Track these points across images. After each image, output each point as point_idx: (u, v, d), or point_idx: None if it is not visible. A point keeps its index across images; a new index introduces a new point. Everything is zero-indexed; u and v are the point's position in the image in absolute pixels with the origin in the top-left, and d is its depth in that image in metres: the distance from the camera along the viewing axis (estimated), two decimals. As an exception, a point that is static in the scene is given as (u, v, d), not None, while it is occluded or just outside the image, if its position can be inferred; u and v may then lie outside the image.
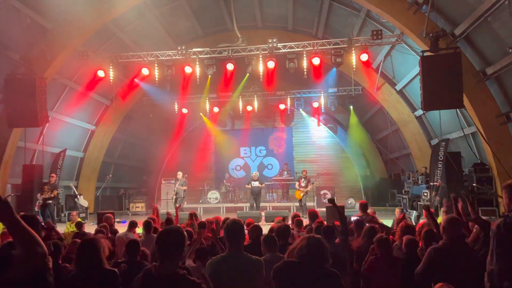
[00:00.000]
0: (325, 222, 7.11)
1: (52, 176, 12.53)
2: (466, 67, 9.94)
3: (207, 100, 17.58)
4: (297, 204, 14.72)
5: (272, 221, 7.19)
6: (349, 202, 15.47)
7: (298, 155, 19.28)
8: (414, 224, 9.61)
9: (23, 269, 1.74)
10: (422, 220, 9.12)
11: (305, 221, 7.46)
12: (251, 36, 13.99)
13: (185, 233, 2.60)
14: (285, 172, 17.38)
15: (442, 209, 9.24)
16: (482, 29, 9.55)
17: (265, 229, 6.00)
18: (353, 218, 10.55)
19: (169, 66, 12.90)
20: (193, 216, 6.40)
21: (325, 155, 19.10)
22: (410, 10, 10.75)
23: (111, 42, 13.55)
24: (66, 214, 13.22)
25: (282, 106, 17.70)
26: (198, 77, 13.26)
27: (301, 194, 14.23)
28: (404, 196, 14.97)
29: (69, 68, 13.01)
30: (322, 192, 16.28)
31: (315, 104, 17.50)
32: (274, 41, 12.34)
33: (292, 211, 13.89)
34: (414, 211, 12.28)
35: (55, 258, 3.45)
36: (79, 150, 16.04)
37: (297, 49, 12.63)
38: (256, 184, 14.18)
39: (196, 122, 19.39)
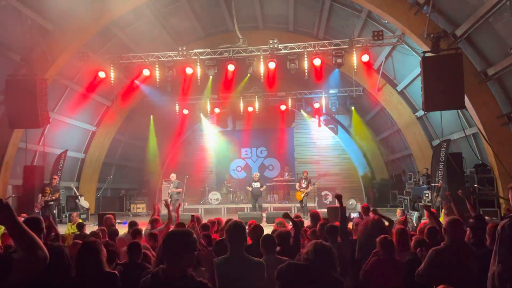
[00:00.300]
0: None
1: (54, 178, 12.53)
2: (467, 68, 9.93)
3: (208, 101, 17.57)
4: (298, 205, 14.71)
5: (273, 222, 7.17)
6: (350, 203, 15.46)
7: (299, 156, 19.25)
8: (415, 224, 9.61)
9: (23, 273, 1.73)
10: (423, 220, 9.09)
11: (306, 222, 7.45)
12: (252, 37, 14.00)
13: (194, 236, 2.58)
14: (286, 173, 17.37)
15: (443, 210, 9.22)
16: (483, 29, 9.53)
17: (266, 230, 5.98)
18: (353, 215, 10.57)
19: (170, 67, 12.91)
20: (194, 218, 6.38)
21: (326, 156, 19.07)
22: (411, 11, 10.74)
23: (112, 43, 13.54)
24: (67, 215, 13.22)
25: (283, 107, 17.68)
26: (199, 78, 13.26)
27: (302, 195, 14.22)
28: (405, 197, 14.95)
29: (70, 69, 13.02)
30: (323, 193, 16.26)
31: (316, 105, 17.50)
32: (275, 41, 12.34)
33: (293, 212, 13.86)
34: (416, 212, 12.26)
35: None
36: (80, 151, 16.04)
37: (298, 50, 12.62)
38: (257, 185, 14.16)
39: (197, 123, 19.37)
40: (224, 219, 7.19)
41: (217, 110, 18.19)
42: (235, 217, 10.76)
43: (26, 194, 12.30)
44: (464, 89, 9.64)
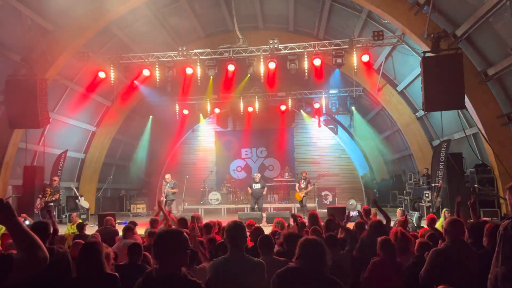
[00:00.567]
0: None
1: (55, 180, 12.52)
2: (467, 68, 9.93)
3: (208, 101, 17.57)
4: (299, 205, 14.70)
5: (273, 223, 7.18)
6: (350, 203, 15.44)
7: (299, 156, 19.23)
8: (415, 225, 9.61)
9: (23, 273, 1.72)
10: (424, 227, 9.07)
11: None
12: (252, 37, 14.00)
13: (184, 235, 2.58)
14: (286, 173, 17.37)
15: (443, 212, 9.21)
16: (484, 30, 9.53)
17: (266, 230, 5.97)
18: (352, 214, 10.54)
19: (170, 67, 12.91)
20: (194, 219, 6.37)
21: (326, 156, 19.05)
22: (411, 11, 10.73)
23: (112, 43, 13.54)
24: (67, 216, 13.20)
25: (283, 107, 17.67)
26: (199, 78, 13.25)
27: (301, 195, 14.21)
28: (405, 197, 14.95)
29: (70, 69, 13.02)
30: (323, 193, 16.25)
31: (316, 105, 17.49)
32: (275, 42, 12.33)
33: (294, 212, 13.84)
34: (416, 212, 12.24)
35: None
36: (80, 151, 16.04)
37: (298, 50, 12.62)
38: (258, 186, 14.12)
39: (197, 123, 19.36)
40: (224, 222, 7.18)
41: (217, 110, 18.18)
42: (235, 218, 10.78)
43: (26, 194, 12.30)
44: (464, 89, 9.65)
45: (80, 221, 8.90)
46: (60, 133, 14.17)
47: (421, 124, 14.75)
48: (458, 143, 12.79)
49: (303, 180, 14.46)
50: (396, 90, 14.67)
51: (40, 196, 12.09)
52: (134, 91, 14.76)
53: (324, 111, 17.89)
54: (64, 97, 13.79)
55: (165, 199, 13.70)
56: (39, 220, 3.75)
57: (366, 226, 5.92)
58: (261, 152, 19.39)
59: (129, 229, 6.36)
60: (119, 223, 11.56)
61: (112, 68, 13.00)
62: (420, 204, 13.27)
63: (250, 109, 17.54)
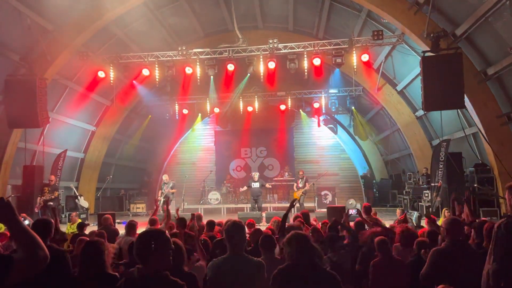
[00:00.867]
0: (320, 225, 7.09)
1: (51, 179, 12.50)
2: (467, 68, 9.93)
3: (208, 101, 17.56)
4: (298, 205, 14.69)
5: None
6: (350, 202, 15.44)
7: (299, 156, 19.25)
8: (415, 224, 9.61)
9: (24, 273, 1.72)
10: (424, 228, 9.07)
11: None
12: (251, 36, 13.99)
13: (167, 235, 2.58)
14: (286, 173, 17.37)
15: (443, 211, 9.22)
16: (483, 29, 9.53)
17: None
18: (351, 212, 10.54)
19: (170, 67, 12.89)
20: (194, 217, 6.37)
21: (326, 156, 19.08)
22: (411, 10, 10.73)
23: (112, 43, 13.54)
24: (67, 215, 13.20)
25: (282, 107, 17.66)
26: (198, 77, 13.24)
27: (299, 195, 14.23)
28: (405, 197, 14.96)
29: (70, 69, 13.01)
30: (322, 193, 16.25)
31: (316, 105, 17.48)
32: (275, 41, 12.32)
33: (293, 212, 13.85)
34: (415, 212, 12.25)
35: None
36: (80, 151, 16.03)
37: (297, 50, 12.61)
38: (256, 185, 14.10)
39: (196, 123, 19.35)
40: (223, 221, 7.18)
41: (217, 110, 18.17)
42: (235, 217, 10.76)
43: (26, 194, 12.30)
44: (464, 88, 9.64)
45: (80, 220, 8.89)
46: (60, 133, 14.17)
47: (420, 124, 14.76)
48: (458, 142, 12.80)
49: (300, 180, 14.45)
50: (396, 90, 14.67)
51: (40, 196, 12.10)
52: (133, 90, 14.76)
53: (323, 111, 17.89)
54: (63, 97, 13.78)
55: (163, 199, 13.67)
56: (42, 218, 3.73)
57: (366, 226, 5.91)
58: (260, 151, 19.40)
59: (133, 226, 6.35)
60: (118, 223, 11.56)
61: (111, 67, 12.99)
62: (420, 203, 13.29)
63: (250, 108, 17.54)
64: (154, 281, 2.40)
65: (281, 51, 12.63)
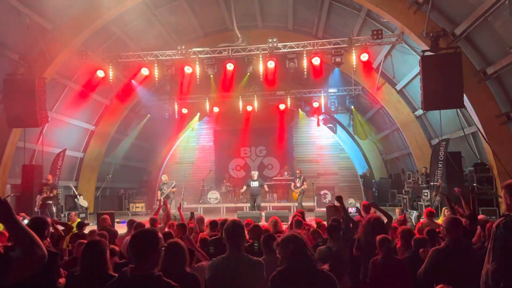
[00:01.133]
0: (315, 226, 7.07)
1: (48, 178, 12.49)
2: (466, 67, 9.94)
3: (207, 100, 17.55)
4: (296, 204, 14.72)
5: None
6: (349, 202, 15.45)
7: (298, 155, 19.26)
8: (414, 224, 9.61)
9: (22, 272, 1.72)
10: (421, 220, 9.09)
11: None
12: (251, 36, 13.97)
13: (158, 235, 2.58)
14: (286, 172, 17.37)
15: (443, 210, 9.23)
16: (483, 28, 9.53)
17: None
18: (350, 210, 10.55)
19: (169, 66, 12.88)
20: (194, 215, 6.35)
21: (325, 155, 19.09)
22: (410, 9, 10.73)
23: (111, 42, 13.52)
24: (66, 215, 13.19)
25: (282, 106, 17.66)
26: (198, 77, 13.23)
27: (297, 194, 14.22)
28: (404, 196, 14.97)
29: (69, 68, 12.99)
30: (322, 192, 16.25)
31: (315, 104, 17.47)
32: (274, 40, 12.32)
33: (292, 211, 13.86)
34: (415, 211, 12.27)
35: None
36: (79, 150, 16.01)
37: (297, 49, 12.61)
38: (255, 184, 14.11)
39: (196, 122, 19.34)
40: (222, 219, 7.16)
41: (216, 109, 18.16)
42: (234, 217, 10.76)
43: (25, 193, 12.29)
44: (463, 88, 9.66)
45: (79, 220, 8.88)
46: (59, 132, 14.15)
47: (420, 123, 14.76)
48: (457, 142, 12.80)
49: (298, 179, 14.44)
50: (395, 89, 14.67)
51: (39, 195, 12.10)
52: (132, 90, 14.74)
53: (323, 110, 17.88)
54: (62, 96, 13.76)
55: (163, 199, 13.66)
56: (37, 217, 3.70)
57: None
58: (260, 151, 19.40)
59: (140, 225, 6.35)
60: (117, 222, 11.57)
61: (110, 66, 12.97)
62: (419, 203, 13.30)
63: (249, 108, 17.53)
64: (147, 282, 2.40)
65: (281, 51, 12.63)
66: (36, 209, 11.73)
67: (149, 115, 17.84)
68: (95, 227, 8.30)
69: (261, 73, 13.14)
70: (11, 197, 11.92)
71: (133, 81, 13.99)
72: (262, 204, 14.89)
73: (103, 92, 14.88)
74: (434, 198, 12.24)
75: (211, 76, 13.54)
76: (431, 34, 9.92)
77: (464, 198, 6.29)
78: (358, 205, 14.31)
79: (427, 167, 13.58)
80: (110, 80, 13.11)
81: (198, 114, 18.78)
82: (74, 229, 7.35)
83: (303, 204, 14.46)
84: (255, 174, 14.52)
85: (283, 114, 18.36)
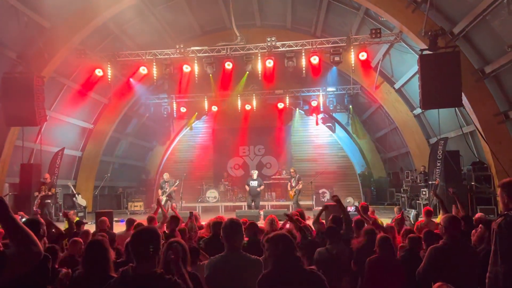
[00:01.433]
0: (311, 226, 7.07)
1: (46, 177, 12.47)
2: (464, 66, 9.94)
3: (205, 99, 17.53)
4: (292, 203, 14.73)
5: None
6: (347, 201, 15.47)
7: (297, 154, 19.26)
8: (412, 222, 9.64)
9: (17, 269, 1.72)
10: (420, 219, 9.11)
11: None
12: (249, 34, 13.95)
13: (159, 233, 2.58)
14: (284, 171, 17.37)
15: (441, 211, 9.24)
16: (481, 27, 9.54)
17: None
18: (349, 209, 10.57)
19: (167, 65, 12.85)
20: (193, 215, 6.35)
21: (324, 154, 19.10)
22: (409, 8, 10.73)
23: (109, 41, 13.50)
24: (64, 214, 13.17)
25: (280, 105, 17.65)
26: (196, 76, 13.22)
27: (292, 194, 14.23)
28: (402, 195, 15.00)
29: (67, 67, 12.96)
30: (320, 191, 16.27)
31: (314, 103, 17.45)
32: (273, 39, 12.30)
33: (290, 210, 13.86)
34: (413, 210, 12.29)
35: (52, 262, 3.41)
36: (77, 149, 15.99)
37: (295, 48, 12.58)
38: (254, 183, 14.12)
39: (194, 121, 19.32)
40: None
41: (215, 108, 18.14)
42: (233, 215, 10.75)
43: (23, 192, 12.26)
44: (461, 87, 9.66)
45: (77, 219, 8.87)
46: (57, 131, 14.12)
47: (418, 122, 14.77)
48: (455, 140, 12.82)
49: (293, 179, 14.43)
50: (394, 88, 14.68)
51: (37, 194, 12.09)
52: (131, 88, 14.71)
53: (321, 109, 17.88)
54: (61, 95, 13.74)
55: (165, 198, 13.64)
56: (31, 218, 3.69)
57: (365, 223, 5.91)
58: (258, 150, 19.40)
59: (133, 222, 6.36)
60: (116, 221, 11.56)
61: (109, 65, 12.94)
62: (417, 201, 13.32)
63: (248, 107, 17.51)
64: (149, 280, 2.40)
65: (279, 49, 12.61)
66: (34, 208, 11.72)
67: (147, 114, 17.83)
68: (93, 226, 8.30)
69: (259, 72, 13.13)
70: (9, 196, 11.90)
71: (131, 79, 13.97)
72: (261, 203, 14.90)
73: (102, 91, 14.85)
74: (432, 196, 12.25)
75: (210, 75, 13.52)
76: (429, 33, 9.92)
77: (458, 199, 6.29)
78: (357, 204, 14.33)
79: (426, 165, 13.60)
80: (109, 79, 13.08)
81: (197, 113, 18.76)
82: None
83: (301, 203, 14.47)
84: (254, 173, 14.52)
85: (282, 113, 18.36)
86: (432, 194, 12.10)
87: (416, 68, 10.82)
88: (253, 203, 14.02)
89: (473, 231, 4.72)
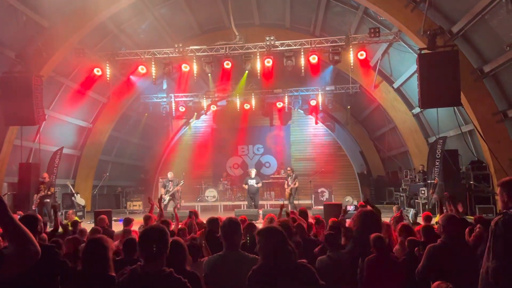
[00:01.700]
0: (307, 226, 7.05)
1: (44, 176, 12.46)
2: (463, 65, 9.95)
3: (204, 98, 17.51)
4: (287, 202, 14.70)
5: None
6: (346, 200, 15.49)
7: (296, 153, 19.28)
8: (411, 221, 9.64)
9: (15, 268, 1.72)
10: (420, 225, 9.10)
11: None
12: (248, 34, 13.95)
13: (166, 232, 2.59)
14: (283, 170, 17.38)
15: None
16: (480, 26, 9.55)
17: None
18: (349, 208, 10.57)
19: (166, 64, 12.84)
20: (192, 214, 6.36)
21: (323, 153, 19.12)
22: (407, 7, 10.74)
23: (108, 40, 13.49)
24: (63, 213, 13.16)
25: (279, 104, 17.65)
26: (195, 75, 13.20)
27: (288, 192, 14.23)
28: (401, 194, 15.02)
29: (66, 66, 12.95)
30: (319, 190, 16.27)
31: (313, 102, 17.44)
32: (272, 38, 12.29)
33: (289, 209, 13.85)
34: (412, 209, 12.29)
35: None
36: (76, 148, 15.98)
37: (294, 47, 12.57)
38: (252, 182, 14.11)
39: (193, 120, 19.33)
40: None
41: (213, 107, 18.14)
42: (232, 215, 10.75)
43: (22, 191, 12.23)
44: (460, 86, 9.67)
45: (76, 218, 8.87)
46: (56, 130, 14.11)
47: (417, 121, 14.79)
48: (454, 140, 12.84)
49: (290, 178, 14.43)
50: (393, 87, 14.69)
51: (36, 193, 12.08)
52: (130, 88, 14.70)
53: (320, 108, 17.88)
54: (59, 94, 13.72)
55: (168, 197, 13.61)
56: (28, 213, 3.70)
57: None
58: (257, 149, 19.41)
59: (149, 218, 6.37)
60: (115, 220, 11.56)
61: (108, 64, 12.92)
62: (416, 200, 13.34)
63: (246, 106, 17.50)
64: (159, 278, 2.41)
65: (278, 48, 12.60)
66: (33, 208, 11.71)
67: (146, 114, 17.82)
68: (92, 225, 8.29)
69: (258, 71, 13.12)
70: (8, 195, 11.89)
71: (132, 78, 13.95)
72: (260, 202, 14.90)
73: (100, 90, 14.84)
74: (431, 196, 12.27)
75: (209, 74, 13.51)
76: (428, 32, 9.93)
77: (453, 201, 6.28)
78: (355, 203, 14.35)
79: (424, 165, 13.62)
80: (107, 78, 13.06)
81: (195, 112, 18.76)
82: (70, 227, 7.33)
83: (300, 202, 14.46)
84: (252, 172, 14.49)
85: (281, 112, 18.36)
86: (431, 193, 12.14)
87: (415, 67, 10.83)
88: (252, 202, 14.02)
89: (466, 229, 4.73)
